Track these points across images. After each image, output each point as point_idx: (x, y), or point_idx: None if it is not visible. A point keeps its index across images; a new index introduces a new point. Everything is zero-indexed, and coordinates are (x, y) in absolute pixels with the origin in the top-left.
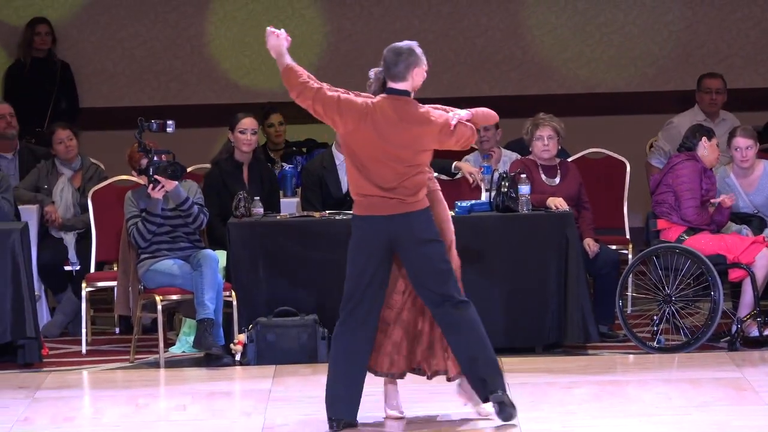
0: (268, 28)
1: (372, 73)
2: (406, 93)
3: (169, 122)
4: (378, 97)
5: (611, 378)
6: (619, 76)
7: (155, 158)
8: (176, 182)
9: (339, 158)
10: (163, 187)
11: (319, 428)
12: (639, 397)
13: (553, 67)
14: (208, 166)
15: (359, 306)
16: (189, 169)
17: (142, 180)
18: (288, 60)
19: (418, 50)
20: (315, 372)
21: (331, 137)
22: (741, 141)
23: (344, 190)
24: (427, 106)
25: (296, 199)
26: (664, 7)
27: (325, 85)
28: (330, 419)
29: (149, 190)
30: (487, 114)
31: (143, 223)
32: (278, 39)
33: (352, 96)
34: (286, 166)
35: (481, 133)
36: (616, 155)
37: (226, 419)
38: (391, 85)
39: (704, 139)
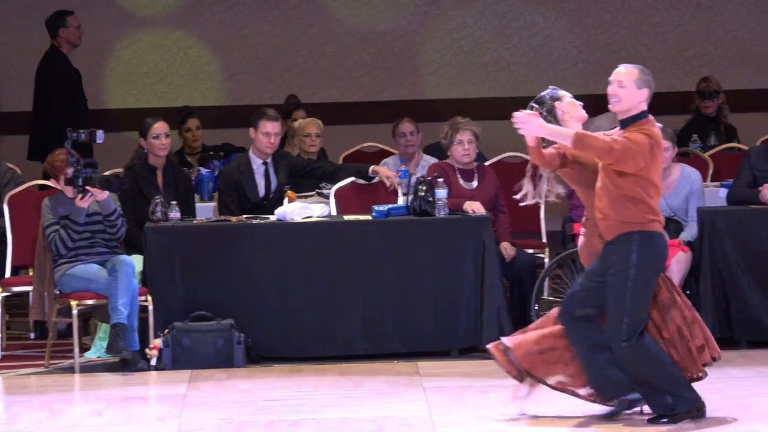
0: (517, 113)
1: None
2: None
3: (99, 132)
4: (643, 124)
5: None
6: (538, 79)
7: (82, 168)
8: (108, 193)
9: (256, 162)
10: (92, 196)
11: None
12: (553, 400)
13: (472, 71)
14: (121, 170)
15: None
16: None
17: (66, 189)
18: (568, 128)
19: None
20: (230, 377)
21: (247, 142)
22: None
23: (261, 194)
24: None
25: (213, 204)
26: (582, 11)
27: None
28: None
29: (77, 200)
30: None
31: (66, 231)
32: (538, 118)
33: (628, 134)
34: (203, 171)
35: (407, 137)
36: None
37: (141, 424)
38: (645, 108)
39: None
